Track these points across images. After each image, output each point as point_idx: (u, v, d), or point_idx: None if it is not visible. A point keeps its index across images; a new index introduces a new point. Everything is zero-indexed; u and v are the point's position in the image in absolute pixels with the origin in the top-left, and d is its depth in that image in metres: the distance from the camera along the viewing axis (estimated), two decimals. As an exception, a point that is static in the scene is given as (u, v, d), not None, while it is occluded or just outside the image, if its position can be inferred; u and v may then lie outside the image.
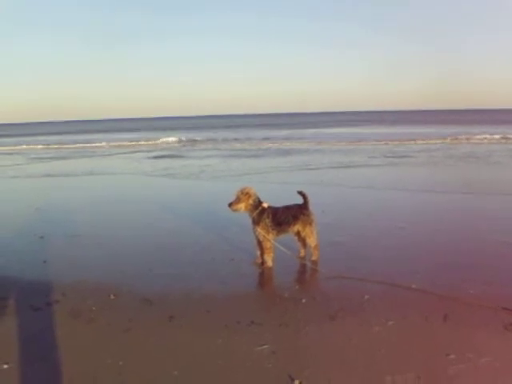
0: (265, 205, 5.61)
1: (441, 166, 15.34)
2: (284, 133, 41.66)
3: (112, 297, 4.91)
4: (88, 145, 32.78)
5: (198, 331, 4.09)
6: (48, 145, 33.79)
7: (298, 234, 5.87)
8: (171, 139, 35.74)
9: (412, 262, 5.76)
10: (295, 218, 5.73)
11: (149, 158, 21.97)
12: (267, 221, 5.57)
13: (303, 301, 4.69)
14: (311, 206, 5.84)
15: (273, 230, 5.60)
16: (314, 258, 5.86)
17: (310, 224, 5.80)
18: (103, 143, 32.99)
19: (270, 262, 5.64)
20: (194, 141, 34.47)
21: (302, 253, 6.00)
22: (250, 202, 5.58)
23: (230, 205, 5.62)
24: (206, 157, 21.48)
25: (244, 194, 5.58)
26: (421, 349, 3.68)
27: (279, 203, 5.79)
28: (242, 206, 5.60)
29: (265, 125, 63.43)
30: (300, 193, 5.82)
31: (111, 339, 3.99)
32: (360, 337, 3.90)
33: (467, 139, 27.23)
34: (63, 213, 9.31)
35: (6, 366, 3.55)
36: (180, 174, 15.11)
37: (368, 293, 4.81)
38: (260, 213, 5.59)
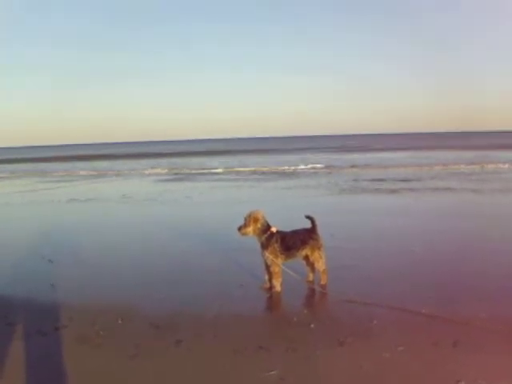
0: (273, 229, 5.61)
1: (451, 191, 15.24)
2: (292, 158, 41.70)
3: (119, 321, 4.90)
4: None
5: (205, 356, 4.06)
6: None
7: (306, 258, 5.85)
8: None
9: (422, 286, 5.69)
10: (304, 243, 5.72)
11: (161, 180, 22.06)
12: (276, 245, 5.55)
13: (312, 326, 4.64)
14: (319, 230, 5.83)
15: (281, 254, 5.59)
16: (322, 282, 5.83)
17: (319, 248, 5.78)
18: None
19: (278, 287, 5.62)
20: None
21: (311, 277, 5.96)
22: (258, 226, 5.58)
23: (239, 229, 5.64)
24: (218, 180, 21.55)
25: (252, 218, 5.60)
26: (431, 375, 3.62)
27: (287, 228, 5.78)
28: (250, 230, 5.60)
29: (272, 150, 63.48)
30: (308, 217, 5.83)
31: (119, 365, 3.97)
32: (370, 363, 3.84)
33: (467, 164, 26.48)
34: (72, 236, 9.35)
35: (13, 392, 3.54)
36: (189, 197, 15.15)
37: (377, 317, 4.76)
38: (269, 237, 5.58)
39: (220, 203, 13.88)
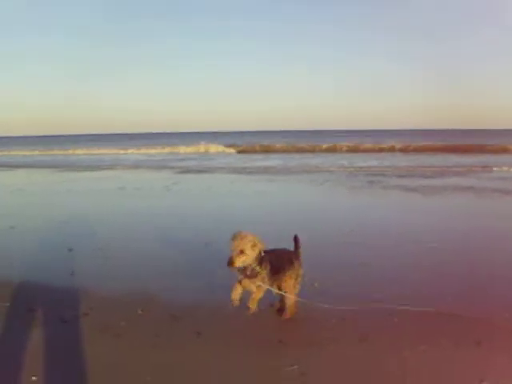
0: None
1: (473, 190, 15.03)
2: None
3: (140, 311, 4.92)
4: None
5: (225, 349, 4.06)
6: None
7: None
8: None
9: (443, 284, 5.61)
10: (288, 267, 4.61)
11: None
12: (264, 272, 4.34)
13: (332, 321, 4.61)
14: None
15: (269, 280, 4.41)
16: (285, 316, 4.70)
17: (296, 279, 4.68)
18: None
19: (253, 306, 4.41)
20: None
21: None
22: (258, 251, 4.25)
23: (232, 263, 4.21)
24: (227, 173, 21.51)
25: (248, 244, 4.18)
26: (453, 375, 3.58)
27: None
28: (248, 259, 4.22)
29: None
30: (295, 238, 4.82)
31: (139, 354, 4.00)
32: (390, 360, 3.81)
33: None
34: (93, 225, 9.38)
35: (34, 378, 3.58)
36: (209, 189, 15.18)
37: (397, 316, 4.70)
38: (259, 263, 4.30)
39: (237, 195, 13.89)
